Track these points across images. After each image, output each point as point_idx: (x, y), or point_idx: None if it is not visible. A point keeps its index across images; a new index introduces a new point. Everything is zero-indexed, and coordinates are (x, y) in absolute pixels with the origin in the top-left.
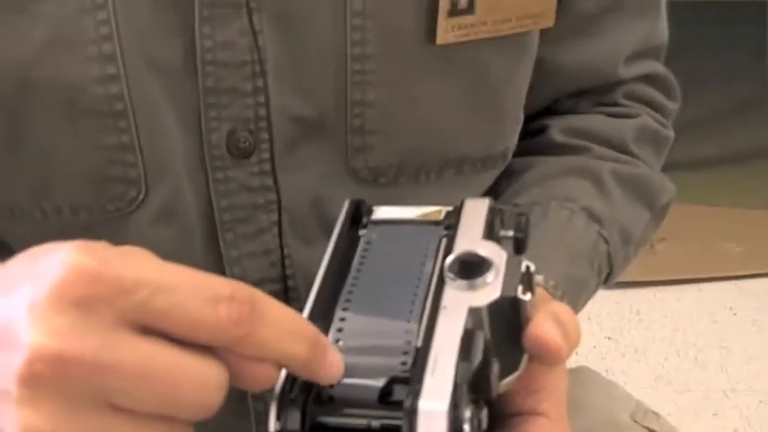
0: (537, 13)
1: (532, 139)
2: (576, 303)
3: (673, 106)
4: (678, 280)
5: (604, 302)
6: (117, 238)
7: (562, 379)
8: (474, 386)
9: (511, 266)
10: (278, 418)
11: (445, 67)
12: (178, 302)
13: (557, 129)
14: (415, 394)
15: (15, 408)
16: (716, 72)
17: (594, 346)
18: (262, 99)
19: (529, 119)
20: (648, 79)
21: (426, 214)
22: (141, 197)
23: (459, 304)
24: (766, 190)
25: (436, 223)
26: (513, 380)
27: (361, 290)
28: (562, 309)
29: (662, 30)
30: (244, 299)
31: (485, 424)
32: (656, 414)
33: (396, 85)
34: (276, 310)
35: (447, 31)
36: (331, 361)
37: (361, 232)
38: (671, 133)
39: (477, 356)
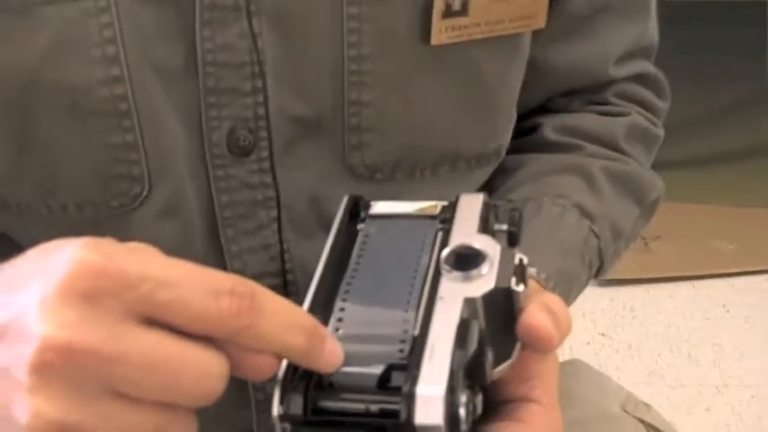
0: (529, 15)
1: (526, 137)
2: (568, 296)
3: (663, 105)
4: (672, 277)
5: (599, 299)
6: (121, 234)
7: (554, 368)
8: (469, 373)
9: (505, 259)
10: (281, 402)
11: (439, 68)
12: (181, 296)
13: (549, 127)
14: (413, 380)
15: (27, 395)
16: (716, 72)
17: (588, 343)
18: (261, 99)
19: (522, 117)
20: (639, 79)
21: (423, 209)
22: (145, 194)
23: (455, 295)
24: (759, 189)
25: (432, 217)
26: (507, 367)
27: (359, 281)
28: (553, 299)
29: (652, 30)
30: (244, 292)
31: (479, 409)
32: (648, 405)
33: (391, 84)
34: (275, 302)
35: (441, 32)
36: (329, 350)
37: (360, 227)
38: (661, 131)
39: (473, 344)
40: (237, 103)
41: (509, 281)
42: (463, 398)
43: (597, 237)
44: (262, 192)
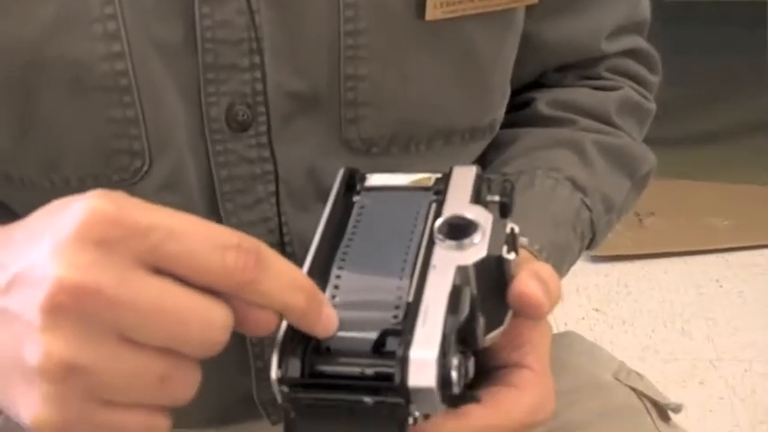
0: None
1: (519, 111)
2: (561, 267)
3: (654, 80)
4: (666, 253)
5: (593, 275)
6: None
7: (546, 336)
8: (461, 338)
9: (496, 228)
10: (279, 366)
11: (434, 42)
12: (189, 248)
13: (543, 102)
14: (407, 344)
15: (39, 334)
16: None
17: (583, 318)
18: (258, 75)
19: (516, 92)
20: (631, 54)
21: (417, 180)
22: (145, 168)
23: (448, 263)
24: (753, 166)
25: (426, 189)
26: (498, 334)
27: (355, 250)
28: (544, 268)
29: (644, 6)
30: (250, 248)
31: (471, 372)
32: (640, 374)
33: (387, 59)
34: (279, 262)
35: (435, 7)
36: (327, 314)
37: (356, 198)
38: (653, 105)
39: (465, 310)
40: (236, 78)
41: (500, 249)
42: (455, 361)
43: (589, 209)
44: (260, 166)
